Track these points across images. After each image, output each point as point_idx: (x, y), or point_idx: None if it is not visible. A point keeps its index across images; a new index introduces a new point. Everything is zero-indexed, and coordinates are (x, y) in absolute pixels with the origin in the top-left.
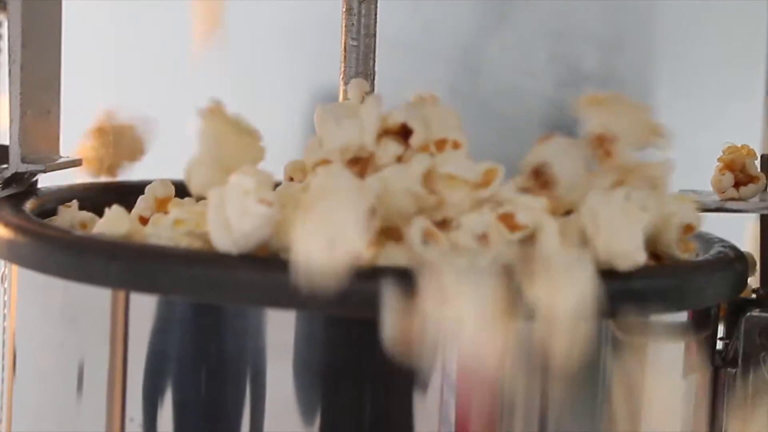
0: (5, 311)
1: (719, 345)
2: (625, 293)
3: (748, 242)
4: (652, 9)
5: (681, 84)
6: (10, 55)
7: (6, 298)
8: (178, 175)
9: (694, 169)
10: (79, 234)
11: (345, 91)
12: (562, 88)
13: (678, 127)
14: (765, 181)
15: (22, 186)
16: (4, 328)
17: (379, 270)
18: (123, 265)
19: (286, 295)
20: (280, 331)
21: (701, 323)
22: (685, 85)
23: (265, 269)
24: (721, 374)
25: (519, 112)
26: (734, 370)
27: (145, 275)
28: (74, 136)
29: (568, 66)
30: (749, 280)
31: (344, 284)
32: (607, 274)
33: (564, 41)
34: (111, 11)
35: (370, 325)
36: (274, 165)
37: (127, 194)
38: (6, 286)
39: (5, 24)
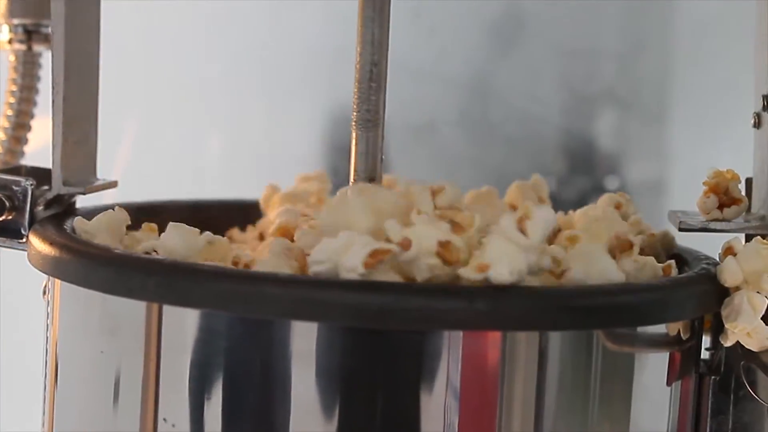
0: (48, 321)
1: (706, 355)
2: (612, 307)
3: None
4: (666, 29)
5: (694, 106)
6: (54, 87)
7: (49, 309)
8: (200, 193)
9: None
10: (119, 252)
11: (356, 117)
12: (569, 113)
13: (692, 148)
14: (747, 202)
15: (63, 206)
16: (47, 338)
17: (387, 285)
18: (158, 281)
19: (306, 307)
20: (299, 341)
21: (685, 334)
22: (699, 107)
23: (287, 285)
24: (706, 381)
25: (527, 136)
26: (717, 378)
27: (178, 290)
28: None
29: (574, 92)
30: None
31: (357, 298)
32: (596, 289)
33: (571, 68)
34: (136, 36)
35: (381, 335)
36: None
37: (158, 213)
38: (48, 298)
39: (48, 56)
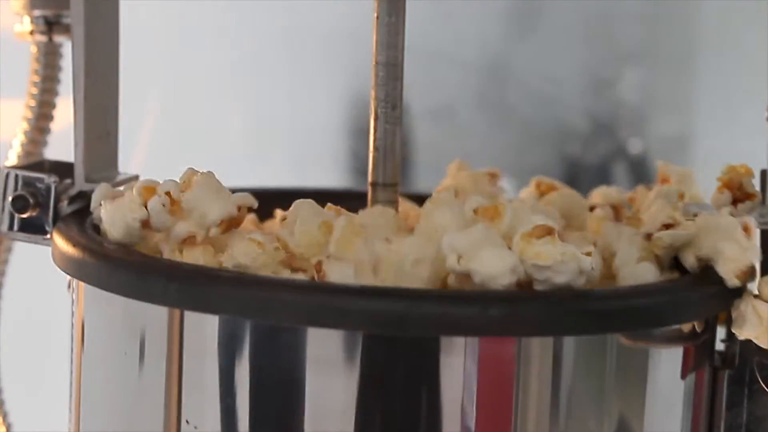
0: (73, 320)
1: (721, 347)
2: (624, 310)
3: None
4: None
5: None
6: (74, 85)
7: (74, 308)
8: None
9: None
10: (140, 255)
11: (375, 99)
12: (585, 96)
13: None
14: (761, 197)
15: (86, 201)
16: (72, 336)
17: (403, 292)
18: (179, 287)
19: (324, 315)
20: (318, 347)
21: (699, 331)
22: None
23: (304, 292)
24: (720, 374)
25: (543, 119)
26: (731, 371)
27: (198, 296)
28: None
29: (592, 75)
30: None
31: (373, 305)
32: (608, 294)
33: (589, 52)
34: (158, 21)
35: (399, 341)
36: (315, 165)
37: None
38: (73, 296)
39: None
